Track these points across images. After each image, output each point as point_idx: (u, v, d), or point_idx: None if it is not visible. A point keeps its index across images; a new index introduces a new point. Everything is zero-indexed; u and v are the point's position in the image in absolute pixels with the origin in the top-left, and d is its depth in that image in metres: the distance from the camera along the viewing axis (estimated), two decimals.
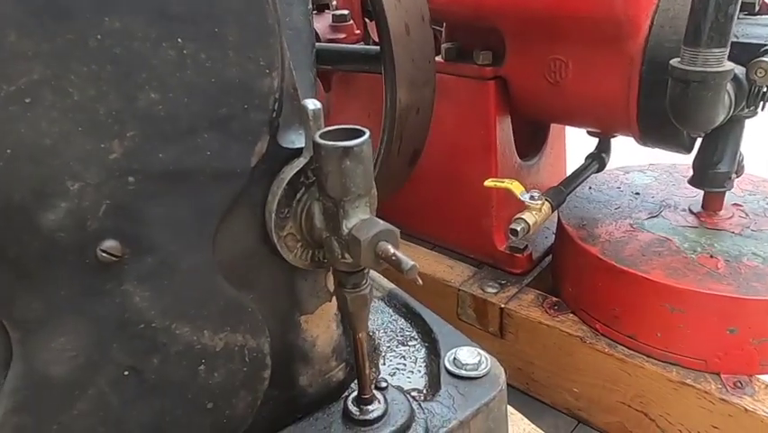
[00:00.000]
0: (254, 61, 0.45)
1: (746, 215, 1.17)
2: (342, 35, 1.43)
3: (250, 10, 0.44)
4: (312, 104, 0.48)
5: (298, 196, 0.51)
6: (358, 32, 1.50)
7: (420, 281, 0.44)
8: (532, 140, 1.42)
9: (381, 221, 0.48)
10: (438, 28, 1.34)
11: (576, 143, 1.55)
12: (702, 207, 1.18)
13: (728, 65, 0.81)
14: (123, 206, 0.43)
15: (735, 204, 1.20)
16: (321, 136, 0.46)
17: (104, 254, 0.42)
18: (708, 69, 0.79)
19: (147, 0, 0.39)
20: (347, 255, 0.49)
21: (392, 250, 0.44)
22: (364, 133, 0.46)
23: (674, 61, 0.84)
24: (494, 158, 1.26)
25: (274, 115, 0.48)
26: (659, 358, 1.03)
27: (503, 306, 1.21)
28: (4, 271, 0.39)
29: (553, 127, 1.43)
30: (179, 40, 0.41)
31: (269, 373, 0.56)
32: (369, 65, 1.22)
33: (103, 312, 0.44)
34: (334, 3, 1.57)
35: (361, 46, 1.31)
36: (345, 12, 1.45)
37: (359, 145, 0.45)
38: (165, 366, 0.49)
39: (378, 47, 1.24)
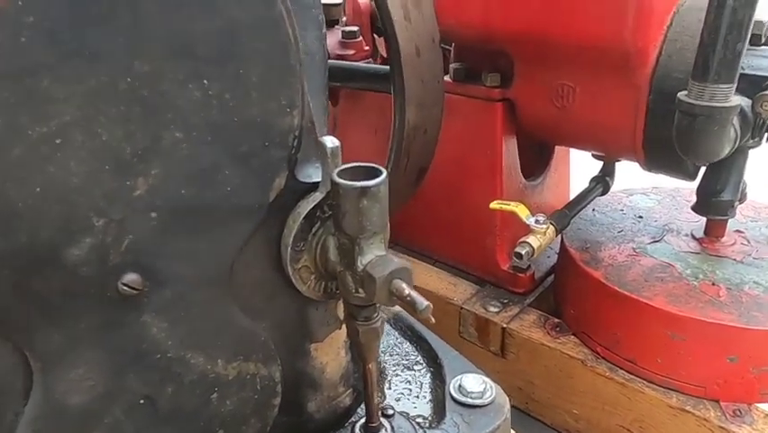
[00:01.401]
0: (276, 100, 0.46)
1: (748, 242, 1.18)
2: (352, 51, 1.44)
3: (273, 51, 0.45)
4: (330, 142, 0.49)
5: (314, 230, 0.52)
6: (367, 48, 1.51)
7: (433, 320, 0.45)
8: (537, 160, 1.43)
9: (396, 258, 0.48)
10: (447, 47, 1.36)
11: (579, 164, 1.56)
12: (705, 233, 1.19)
13: (735, 100, 0.82)
14: (144, 240, 0.44)
15: (737, 230, 1.21)
16: (339, 174, 0.47)
17: (125, 288, 0.43)
18: (715, 105, 0.80)
19: (176, 42, 0.41)
20: (361, 290, 0.50)
21: (407, 290, 0.45)
22: (381, 172, 0.47)
23: (681, 95, 0.85)
24: (499, 178, 1.27)
25: (293, 151, 0.49)
26: (659, 384, 1.04)
27: (505, 326, 1.22)
28: (28, 305, 0.40)
29: (558, 148, 1.44)
30: (205, 81, 0.42)
31: (279, 401, 0.57)
32: (377, 84, 1.24)
33: (121, 343, 0.45)
34: (344, 19, 1.58)
35: (371, 65, 1.32)
36: (355, 28, 1.47)
37: (376, 185, 0.46)
38: (179, 395, 0.50)
39: (387, 66, 1.25)
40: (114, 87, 0.39)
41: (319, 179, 0.52)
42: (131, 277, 0.44)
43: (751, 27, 0.78)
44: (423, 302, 0.44)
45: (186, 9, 0.40)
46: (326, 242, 0.52)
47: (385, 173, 0.47)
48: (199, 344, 0.49)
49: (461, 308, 1.29)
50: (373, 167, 0.48)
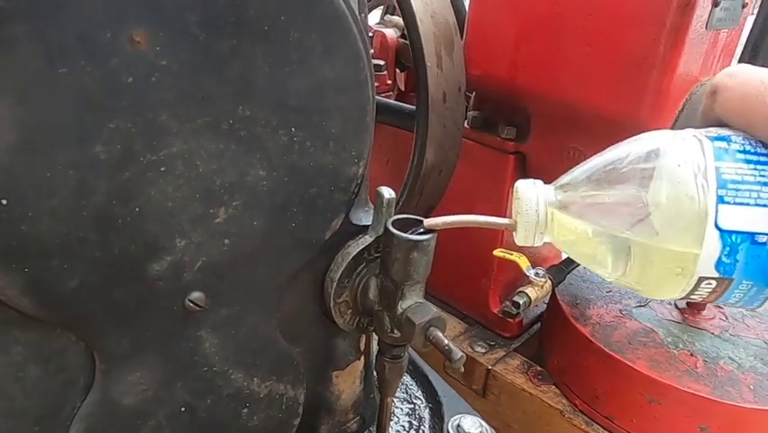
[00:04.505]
0: (348, 151, 0.51)
1: (726, 318, 1.25)
2: (376, 84, 1.50)
3: (353, 108, 0.50)
4: (387, 192, 0.54)
5: (359, 269, 0.56)
6: (389, 82, 1.57)
7: (463, 370, 0.50)
8: None
9: (433, 307, 0.53)
10: (467, 94, 1.42)
11: None
12: (687, 304, 1.25)
13: None
14: (214, 263, 0.48)
15: (717, 305, 1.28)
16: (393, 224, 0.52)
17: (191, 304, 0.47)
18: None
19: (275, 93, 0.45)
20: (396, 331, 0.54)
21: (445, 339, 0.49)
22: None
23: None
24: None
25: (353, 196, 0.54)
26: None
27: (490, 367, 1.27)
28: (108, 310, 0.44)
29: None
30: (293, 128, 0.47)
31: (298, 421, 0.60)
32: (400, 121, 1.29)
33: (177, 353, 0.49)
34: (372, 51, 1.64)
35: (397, 103, 1.37)
36: (381, 62, 1.52)
37: (428, 240, 0.51)
38: (216, 406, 0.53)
39: (411, 105, 1.31)
40: (217, 126, 0.43)
41: (368, 223, 0.56)
42: (197, 295, 0.47)
43: None
44: (458, 352, 0.48)
45: (287, 66, 0.45)
46: (368, 282, 0.56)
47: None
48: (242, 361, 0.53)
49: None
50: (423, 220, 0.53)
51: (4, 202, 0.37)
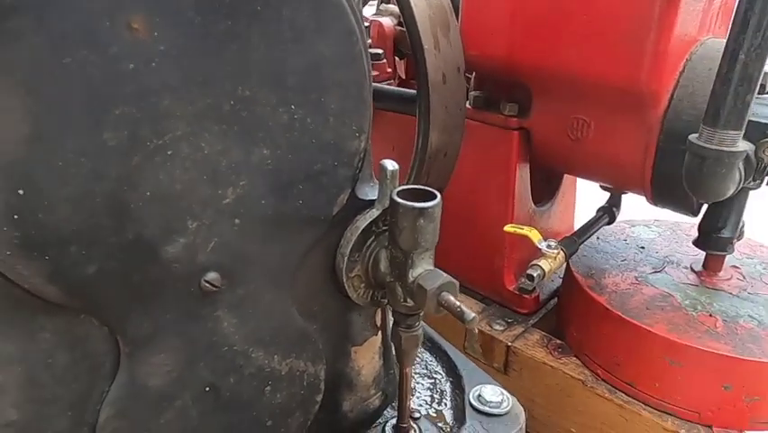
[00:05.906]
0: (348, 126, 0.52)
1: (744, 277, 1.25)
2: (376, 73, 1.51)
3: (351, 83, 0.51)
4: (391, 165, 0.55)
5: (368, 243, 0.57)
6: (389, 70, 1.58)
7: (477, 330, 0.51)
8: (546, 187, 1.49)
9: (443, 273, 0.54)
10: (467, 75, 1.42)
11: (585, 192, 1.63)
12: (703, 266, 1.25)
13: (742, 145, 0.88)
14: (227, 243, 0.49)
15: (733, 266, 1.28)
16: (398, 194, 0.53)
17: (206, 284, 0.49)
18: (724, 149, 0.87)
19: (272, 72, 0.46)
20: (409, 300, 0.55)
21: (457, 302, 0.50)
22: (436, 196, 0.53)
23: (693, 137, 0.92)
24: (511, 202, 1.33)
25: (357, 171, 0.55)
26: (655, 407, 1.09)
27: (510, 344, 1.27)
28: (127, 294, 0.45)
29: (566, 177, 1.51)
30: (293, 106, 0.48)
31: (320, 398, 0.62)
32: (402, 106, 1.30)
33: (197, 334, 0.51)
34: (369, 41, 1.65)
35: (398, 88, 1.38)
36: (380, 51, 1.53)
37: (433, 207, 0.52)
38: (239, 385, 0.55)
39: (412, 90, 1.32)
40: (219, 107, 0.45)
41: (375, 197, 0.57)
42: (212, 275, 0.49)
43: (760, 80, 0.85)
44: (470, 314, 0.49)
45: (282, 44, 0.46)
46: (379, 254, 0.57)
47: (440, 197, 0.53)
48: (261, 340, 0.55)
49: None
50: (428, 189, 0.54)
51: (21, 192, 0.38)
